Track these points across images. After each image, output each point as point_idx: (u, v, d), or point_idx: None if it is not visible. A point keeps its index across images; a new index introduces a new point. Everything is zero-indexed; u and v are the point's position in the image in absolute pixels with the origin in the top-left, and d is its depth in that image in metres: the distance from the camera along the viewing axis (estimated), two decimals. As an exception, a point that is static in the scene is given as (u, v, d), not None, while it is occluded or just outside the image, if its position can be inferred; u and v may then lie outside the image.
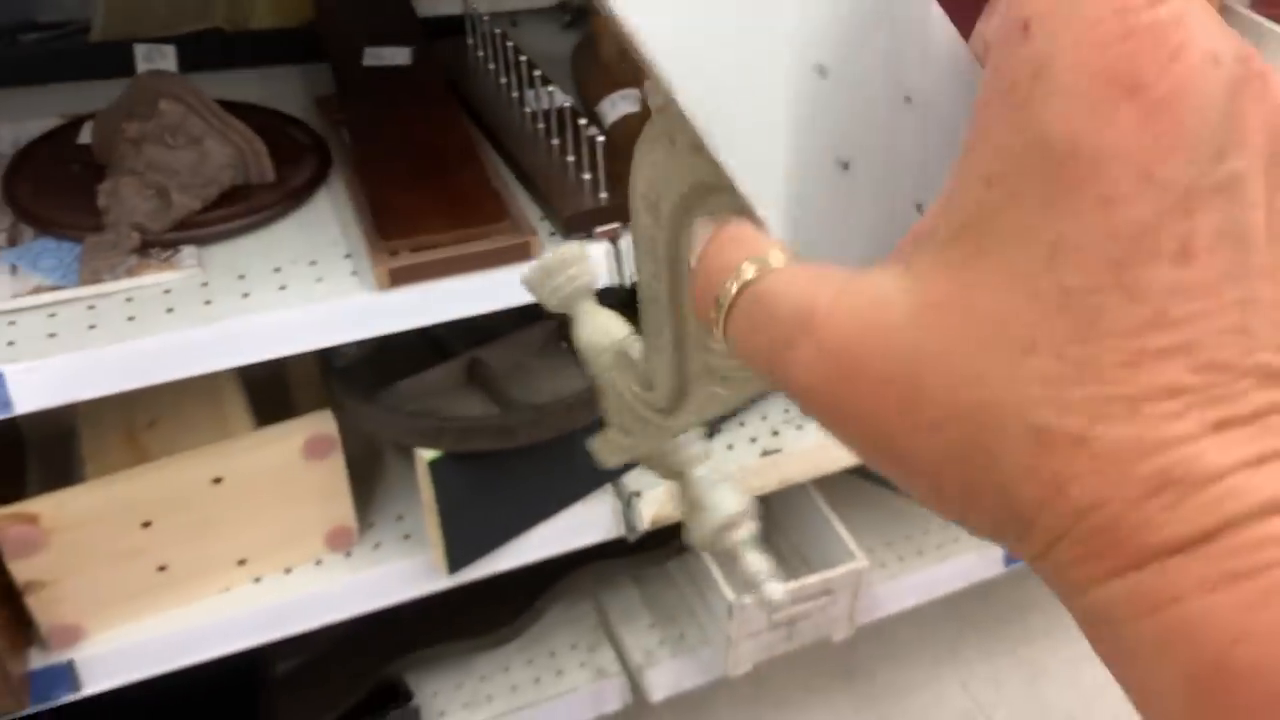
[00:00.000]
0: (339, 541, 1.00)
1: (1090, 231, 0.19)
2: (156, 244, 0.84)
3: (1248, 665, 0.18)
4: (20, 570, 0.84)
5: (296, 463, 0.92)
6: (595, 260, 0.84)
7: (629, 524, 1.08)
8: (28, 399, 0.76)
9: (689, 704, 1.38)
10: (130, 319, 0.79)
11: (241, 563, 0.95)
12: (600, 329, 0.42)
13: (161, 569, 0.91)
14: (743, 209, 0.24)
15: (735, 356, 0.24)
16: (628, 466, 1.07)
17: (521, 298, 0.87)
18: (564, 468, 1.02)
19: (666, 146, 0.27)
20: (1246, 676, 0.18)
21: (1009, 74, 0.20)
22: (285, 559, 0.98)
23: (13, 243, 0.85)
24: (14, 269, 0.81)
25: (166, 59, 1.05)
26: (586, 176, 0.90)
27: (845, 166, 0.25)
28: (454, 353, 1.01)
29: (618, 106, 0.99)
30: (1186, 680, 0.18)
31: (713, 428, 1.12)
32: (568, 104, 0.93)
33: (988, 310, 0.20)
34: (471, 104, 1.03)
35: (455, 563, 0.99)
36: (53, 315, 0.79)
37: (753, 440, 1.14)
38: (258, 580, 0.97)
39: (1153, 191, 0.19)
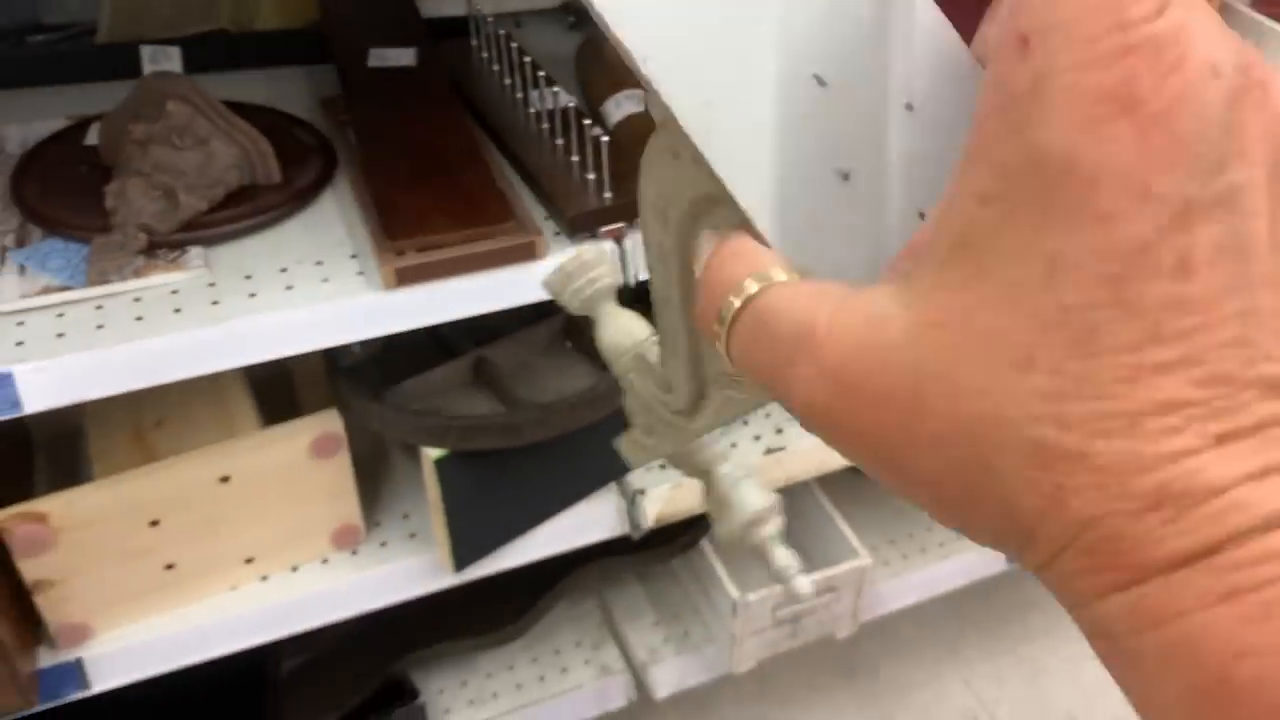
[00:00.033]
0: (345, 540, 1.00)
1: (1087, 249, 0.19)
2: (164, 245, 0.84)
3: (1251, 679, 0.18)
4: (29, 569, 0.85)
5: (303, 462, 0.93)
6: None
7: (633, 522, 1.08)
8: (37, 398, 0.76)
9: (693, 701, 1.38)
10: (138, 319, 0.79)
11: (249, 561, 0.96)
12: (622, 330, 0.42)
13: (169, 567, 0.92)
14: (745, 221, 0.25)
15: (738, 370, 0.25)
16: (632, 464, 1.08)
17: (527, 297, 0.88)
18: (569, 466, 1.03)
19: (671, 160, 0.27)
20: (1250, 690, 0.18)
21: (1006, 89, 0.20)
22: (292, 557, 0.98)
23: (20, 243, 0.85)
24: (22, 269, 0.82)
25: (172, 60, 1.06)
26: (591, 176, 0.90)
27: (845, 177, 0.25)
28: (460, 352, 1.01)
29: (622, 106, 1.00)
30: (1189, 694, 0.18)
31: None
32: (572, 104, 0.94)
33: (986, 328, 0.20)
34: (476, 105, 1.03)
35: (461, 561, 1.00)
36: (61, 315, 0.79)
37: (757, 438, 1.14)
38: (265, 578, 0.98)
39: (1150, 207, 0.19)
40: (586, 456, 1.03)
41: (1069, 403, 0.19)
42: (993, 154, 0.20)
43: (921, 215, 0.26)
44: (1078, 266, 0.19)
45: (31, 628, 0.89)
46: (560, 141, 0.95)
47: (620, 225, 0.89)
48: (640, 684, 1.27)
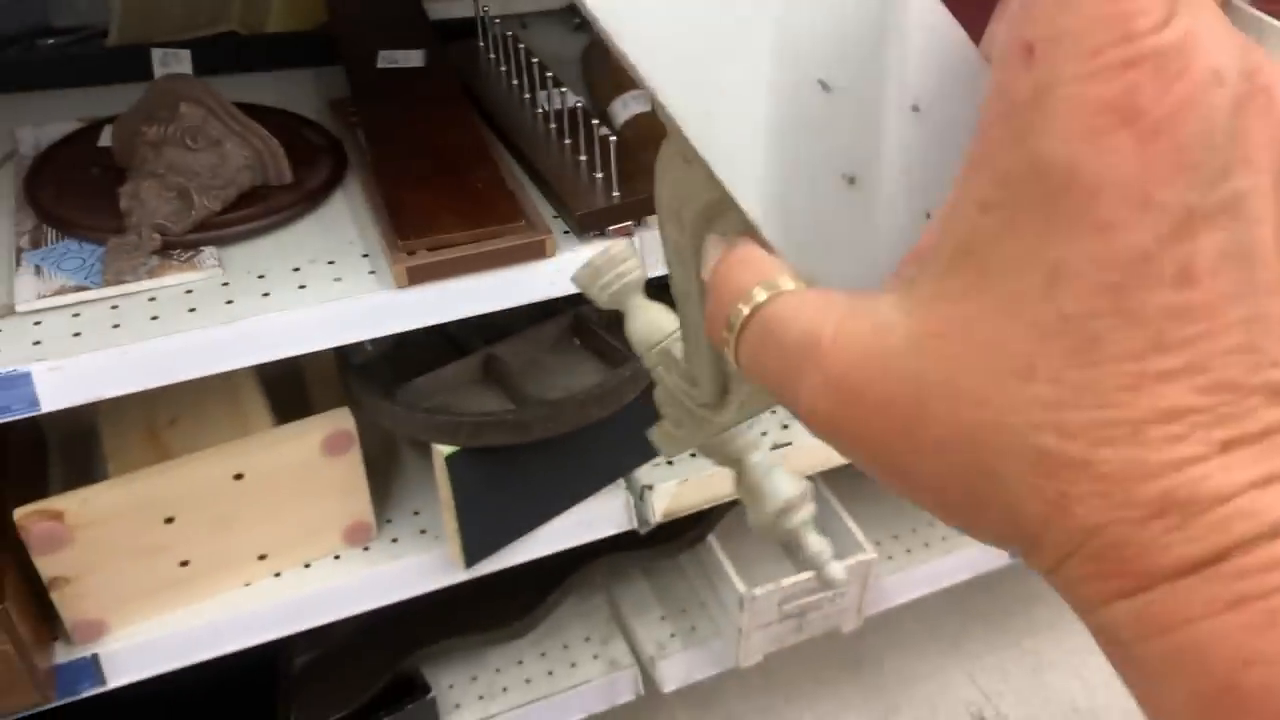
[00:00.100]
0: (357, 536, 1.01)
1: (1088, 258, 0.19)
2: (178, 245, 0.85)
3: (1258, 687, 0.18)
4: (46, 566, 0.85)
5: (316, 459, 0.94)
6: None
7: (641, 517, 1.09)
8: (54, 397, 0.77)
9: (700, 695, 1.39)
10: (153, 318, 0.80)
11: (262, 558, 0.97)
12: (651, 323, 0.43)
13: (183, 564, 0.93)
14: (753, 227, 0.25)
15: (746, 376, 0.25)
16: (639, 460, 1.09)
17: (536, 295, 0.89)
18: (577, 462, 1.04)
19: (681, 165, 0.27)
20: (1258, 698, 0.18)
21: (1009, 97, 0.20)
22: (304, 554, 0.99)
23: (36, 245, 0.86)
24: (38, 270, 0.83)
25: (182, 63, 1.06)
26: (599, 176, 0.91)
27: (852, 181, 0.25)
28: (470, 349, 1.02)
29: (629, 106, 1.01)
30: (1196, 701, 0.19)
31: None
32: (579, 104, 0.95)
33: (987, 338, 0.20)
34: (484, 105, 1.04)
35: (472, 556, 1.01)
36: (77, 315, 0.80)
37: (763, 434, 1.15)
38: (278, 575, 0.99)
39: (1151, 217, 0.19)
40: (595, 453, 1.04)
41: (1070, 411, 0.19)
42: (994, 162, 0.20)
43: (928, 216, 0.26)
44: (1078, 276, 0.19)
45: (48, 624, 0.90)
46: (568, 141, 0.96)
47: (629, 224, 0.90)
48: (648, 678, 1.28)
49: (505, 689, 1.24)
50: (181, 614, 0.95)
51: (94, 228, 0.86)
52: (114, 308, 0.81)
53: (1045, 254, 0.19)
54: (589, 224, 0.89)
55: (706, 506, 1.13)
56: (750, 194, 0.24)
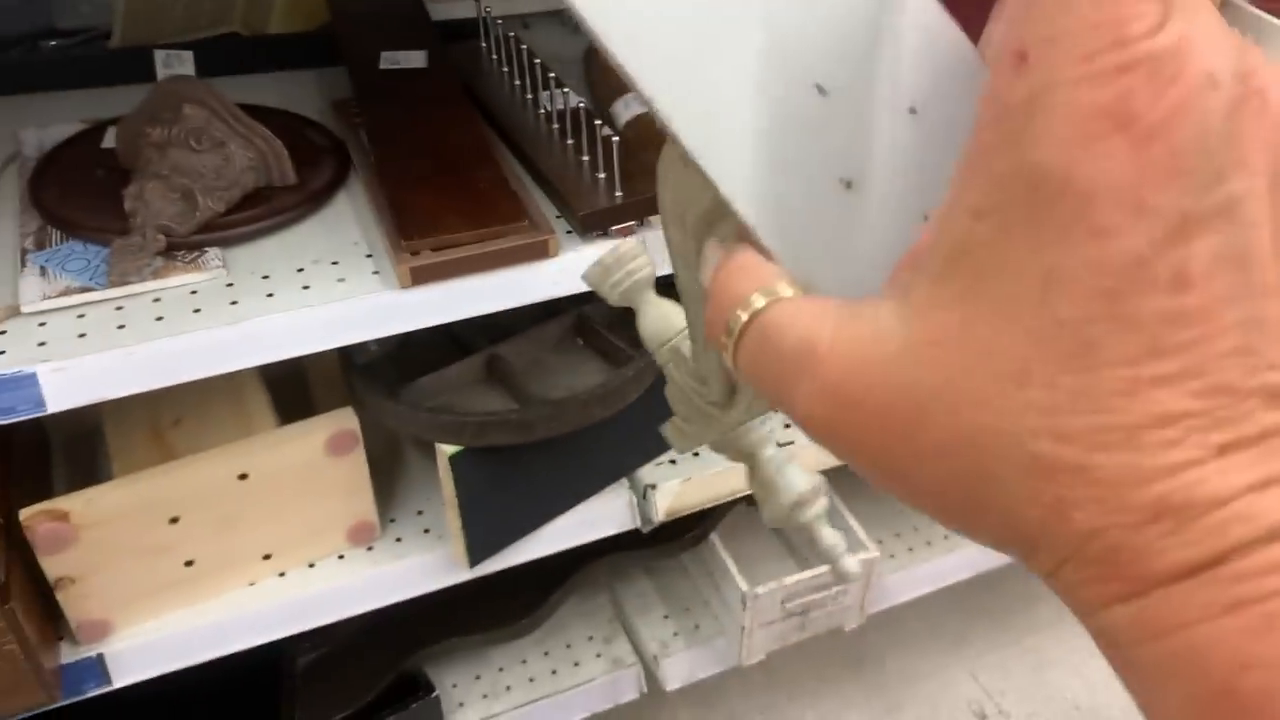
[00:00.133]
0: (361, 536, 1.01)
1: (1082, 264, 0.19)
2: (182, 246, 0.86)
3: (1256, 691, 0.18)
4: (51, 566, 0.86)
5: (320, 459, 0.94)
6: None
7: (644, 516, 1.09)
8: (59, 398, 0.77)
9: (703, 693, 1.40)
10: (158, 319, 0.80)
11: (266, 557, 0.97)
12: (661, 321, 0.43)
13: (188, 564, 0.93)
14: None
15: (746, 382, 0.25)
16: (642, 460, 1.09)
17: (539, 295, 0.89)
18: (581, 461, 1.04)
19: (681, 169, 0.27)
20: (1256, 702, 0.18)
21: (1003, 101, 0.20)
22: (309, 553, 1.00)
23: (40, 246, 0.86)
24: (43, 271, 0.83)
25: (185, 64, 1.07)
26: (601, 176, 0.91)
27: (849, 185, 0.25)
28: (473, 349, 1.02)
29: (631, 107, 1.01)
30: (1194, 704, 0.19)
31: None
32: (582, 105, 0.95)
33: (983, 344, 0.20)
34: (486, 106, 1.04)
35: (475, 556, 1.01)
36: (82, 316, 0.80)
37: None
38: (282, 575, 0.99)
39: (1145, 222, 0.19)
40: (598, 452, 1.04)
41: (1065, 416, 0.19)
42: (988, 167, 0.20)
43: (926, 218, 0.26)
44: (1073, 281, 0.19)
45: (53, 624, 0.90)
46: (571, 141, 0.96)
47: (631, 224, 0.91)
48: (651, 676, 1.28)
49: (509, 688, 1.24)
50: (186, 614, 0.95)
51: (99, 229, 0.86)
52: (119, 309, 0.81)
53: (1040, 259, 0.19)
54: (592, 224, 0.90)
55: (709, 505, 1.13)
56: (744, 198, 0.24)
